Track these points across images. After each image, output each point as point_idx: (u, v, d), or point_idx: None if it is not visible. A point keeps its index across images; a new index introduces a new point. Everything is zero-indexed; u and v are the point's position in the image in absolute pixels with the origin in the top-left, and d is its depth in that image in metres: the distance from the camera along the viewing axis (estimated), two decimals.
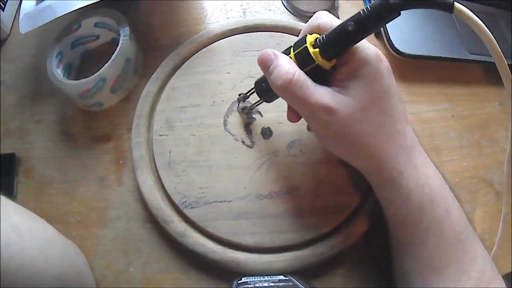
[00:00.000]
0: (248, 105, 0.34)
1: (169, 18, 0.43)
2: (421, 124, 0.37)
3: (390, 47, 0.38)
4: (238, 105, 0.35)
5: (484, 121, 0.38)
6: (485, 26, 0.23)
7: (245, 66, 0.37)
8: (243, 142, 0.34)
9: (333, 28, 0.25)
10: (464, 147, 0.37)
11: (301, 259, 0.29)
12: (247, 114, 0.35)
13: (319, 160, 0.32)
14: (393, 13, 0.22)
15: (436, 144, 0.36)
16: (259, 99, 0.31)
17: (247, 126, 0.34)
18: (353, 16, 0.24)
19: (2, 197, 0.25)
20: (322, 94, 0.25)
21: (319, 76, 0.26)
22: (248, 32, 0.39)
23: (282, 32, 0.39)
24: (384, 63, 0.26)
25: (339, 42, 0.25)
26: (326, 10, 0.41)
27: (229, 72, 0.37)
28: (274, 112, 0.35)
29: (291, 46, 0.27)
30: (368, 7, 0.23)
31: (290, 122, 0.33)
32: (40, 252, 0.25)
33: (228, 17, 0.43)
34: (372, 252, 0.31)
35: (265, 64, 0.27)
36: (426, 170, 0.26)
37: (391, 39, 0.38)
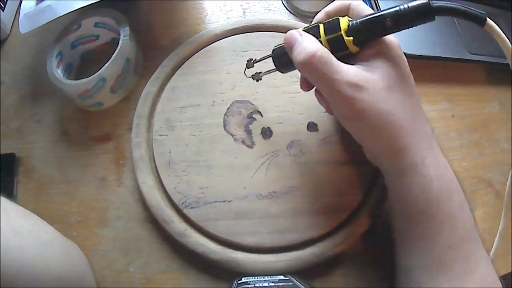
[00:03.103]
0: (259, 71, 0.32)
1: (169, 18, 0.43)
2: None
3: None
4: (245, 69, 0.33)
5: (484, 121, 0.38)
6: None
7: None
8: (243, 142, 0.34)
9: (366, 16, 0.25)
10: (464, 147, 0.37)
11: (301, 259, 0.29)
12: (258, 80, 0.33)
13: (319, 160, 0.32)
14: (430, 16, 0.23)
15: None
16: (273, 67, 0.30)
17: (247, 126, 0.34)
18: (389, 10, 0.24)
19: (3, 199, 0.25)
20: (347, 71, 0.24)
21: (344, 56, 0.26)
22: (248, 32, 0.39)
23: (282, 32, 0.39)
24: (404, 56, 0.27)
25: (373, 33, 0.25)
26: None
27: (229, 72, 0.37)
28: (274, 112, 0.35)
29: (316, 24, 0.27)
30: (408, 5, 0.23)
31: (290, 122, 0.33)
32: (41, 255, 0.25)
33: (228, 17, 0.43)
34: (372, 252, 0.31)
35: (289, 42, 0.27)
36: (444, 161, 0.26)
37: None
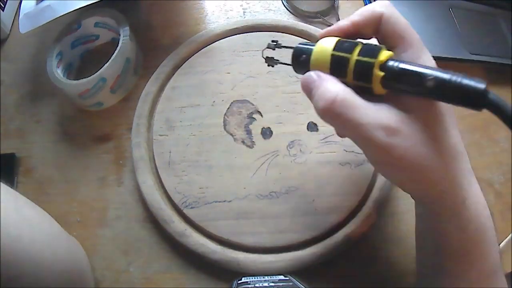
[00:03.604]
0: (276, 58, 0.28)
1: (169, 18, 0.43)
2: None
3: None
4: (264, 49, 0.28)
5: (484, 121, 0.38)
6: None
7: (245, 66, 0.37)
8: (243, 142, 0.34)
9: (409, 63, 0.21)
10: (464, 147, 0.37)
11: (301, 259, 0.29)
12: (272, 66, 0.29)
13: (319, 160, 0.32)
14: (478, 106, 0.19)
15: None
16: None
17: (247, 126, 0.34)
18: (437, 72, 0.20)
19: (12, 190, 0.25)
20: (378, 112, 0.21)
21: (367, 91, 0.22)
22: (248, 32, 0.39)
23: (282, 32, 0.39)
24: None
25: (406, 85, 0.21)
26: (325, 11, 0.42)
27: (229, 72, 0.37)
28: (274, 112, 0.35)
29: (357, 42, 0.22)
30: (462, 81, 0.19)
31: (290, 122, 0.32)
32: (48, 246, 0.25)
33: (228, 17, 0.43)
34: (372, 252, 0.31)
35: (307, 87, 0.23)
36: (483, 199, 0.23)
37: None
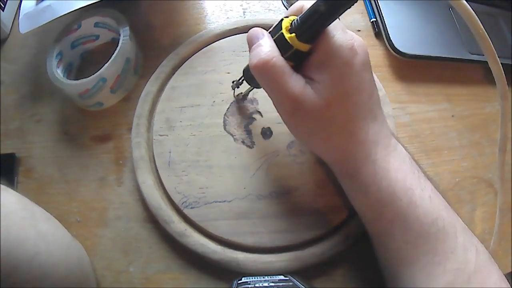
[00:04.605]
0: (243, 91, 0.34)
1: (169, 18, 0.43)
2: (421, 124, 0.37)
3: (390, 47, 0.38)
4: (234, 92, 0.35)
5: (484, 121, 0.38)
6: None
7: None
8: (243, 142, 0.34)
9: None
10: (464, 147, 0.37)
11: (301, 259, 0.29)
12: (243, 101, 0.35)
13: (319, 160, 0.32)
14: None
15: (436, 144, 0.36)
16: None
17: (247, 126, 0.34)
18: None
19: (30, 202, 0.25)
20: (295, 84, 0.24)
21: (302, 60, 0.25)
22: None
23: None
24: (360, 57, 0.24)
25: (312, 25, 0.23)
26: None
27: (229, 72, 0.37)
28: (274, 112, 0.34)
29: (279, 24, 0.25)
30: None
31: None
32: (62, 260, 0.25)
33: (228, 17, 0.43)
34: (372, 252, 0.31)
35: (251, 40, 0.26)
36: (386, 164, 0.25)
37: (391, 39, 0.38)
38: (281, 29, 0.25)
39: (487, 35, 0.25)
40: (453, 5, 0.23)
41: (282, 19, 0.25)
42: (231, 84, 0.34)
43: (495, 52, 0.25)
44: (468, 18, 0.23)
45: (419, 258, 0.24)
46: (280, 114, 0.27)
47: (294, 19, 0.25)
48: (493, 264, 0.24)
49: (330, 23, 0.24)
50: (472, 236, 0.25)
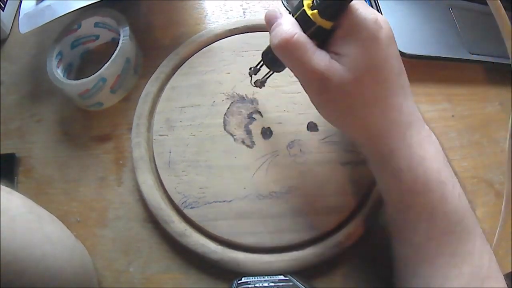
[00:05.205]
0: (260, 78, 0.32)
1: (169, 18, 0.43)
2: None
3: None
4: (251, 79, 0.33)
5: (484, 121, 0.38)
6: None
7: (245, 66, 0.37)
8: (243, 142, 0.34)
9: None
10: (464, 147, 0.37)
11: (301, 259, 0.29)
12: (261, 87, 0.33)
13: (319, 160, 0.32)
14: None
15: None
16: (269, 70, 0.30)
17: (247, 126, 0.34)
18: None
19: (34, 204, 0.25)
20: (320, 60, 0.24)
21: (325, 38, 0.25)
22: (248, 32, 0.39)
23: None
24: (384, 30, 0.24)
25: (335, 0, 0.23)
26: None
27: (229, 72, 0.37)
28: (274, 112, 0.35)
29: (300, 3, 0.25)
30: None
31: (290, 122, 0.33)
32: (67, 261, 0.25)
33: (228, 17, 0.43)
34: (372, 252, 0.31)
35: (269, 21, 0.26)
36: (422, 151, 0.24)
37: None
38: (303, 6, 0.24)
39: None
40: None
41: None
42: (248, 71, 0.32)
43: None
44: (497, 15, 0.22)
45: (438, 257, 0.23)
46: (308, 95, 0.26)
47: None
48: (500, 272, 0.24)
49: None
50: (486, 240, 0.24)
